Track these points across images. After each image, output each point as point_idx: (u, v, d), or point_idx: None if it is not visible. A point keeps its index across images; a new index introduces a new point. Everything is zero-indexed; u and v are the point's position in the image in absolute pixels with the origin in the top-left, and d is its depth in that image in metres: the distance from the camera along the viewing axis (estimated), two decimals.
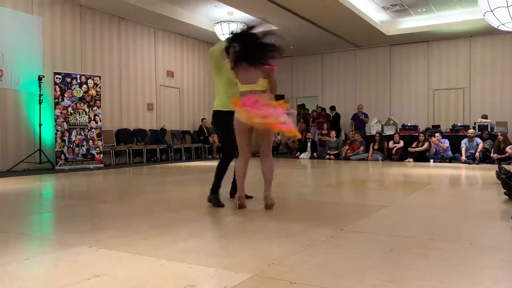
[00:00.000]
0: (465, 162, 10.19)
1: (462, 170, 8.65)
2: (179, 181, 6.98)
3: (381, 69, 14.53)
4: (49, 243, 2.96)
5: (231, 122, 3.98)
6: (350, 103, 14.70)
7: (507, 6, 7.97)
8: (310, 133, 13.21)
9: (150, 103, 12.01)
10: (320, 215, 3.91)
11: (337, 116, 14.01)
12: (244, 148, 4.00)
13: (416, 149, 11.06)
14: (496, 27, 8.77)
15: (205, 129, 13.07)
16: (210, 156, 13.00)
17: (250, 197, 4.55)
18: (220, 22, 11.68)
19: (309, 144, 12.82)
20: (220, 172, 4.26)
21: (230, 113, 4.01)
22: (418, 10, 11.80)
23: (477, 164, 9.99)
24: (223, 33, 11.73)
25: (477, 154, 10.20)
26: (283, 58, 15.73)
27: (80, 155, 9.38)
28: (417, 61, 14.01)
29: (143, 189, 5.84)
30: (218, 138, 4.35)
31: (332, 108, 14.19)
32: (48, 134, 9.19)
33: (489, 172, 7.80)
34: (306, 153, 12.66)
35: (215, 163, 10.10)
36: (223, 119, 4.20)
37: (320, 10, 10.50)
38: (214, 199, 4.21)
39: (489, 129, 11.08)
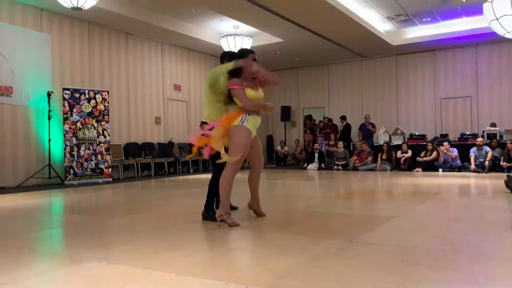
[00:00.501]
0: (474, 171, 10.11)
1: (471, 179, 8.58)
2: (187, 194, 6.99)
3: (387, 79, 14.52)
4: (60, 259, 2.98)
5: None
6: (357, 113, 14.68)
7: None
8: (317, 144, 13.20)
9: (157, 116, 12.09)
10: (329, 226, 3.90)
11: (348, 126, 13.88)
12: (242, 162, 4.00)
13: (425, 158, 11.00)
14: (502, 35, 8.75)
15: None
16: None
17: (235, 208, 4.54)
18: (226, 35, 11.79)
19: (316, 155, 12.80)
20: (214, 190, 4.15)
21: None
22: (423, 19, 11.82)
23: (486, 172, 9.91)
24: (229, 46, 11.85)
25: (486, 163, 10.12)
26: (288, 69, 15.84)
27: (89, 169, 9.44)
28: (423, 70, 13.99)
29: (152, 203, 5.86)
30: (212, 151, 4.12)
31: (343, 118, 14.03)
32: (57, 149, 9.27)
33: (499, 180, 7.72)
34: (314, 164, 12.64)
35: None
36: None
37: (325, 22, 10.56)
38: (213, 215, 4.13)
39: (498, 137, 11.00)
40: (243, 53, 4.09)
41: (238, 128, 3.84)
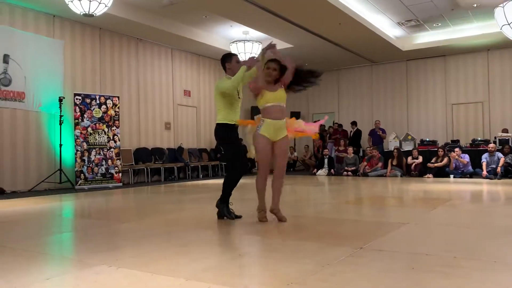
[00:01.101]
0: (486, 177, 9.99)
1: (483, 186, 8.48)
2: (196, 199, 7.00)
3: (398, 84, 14.45)
4: (69, 263, 3.00)
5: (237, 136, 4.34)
6: (367, 118, 14.62)
7: None
8: (327, 150, 13.15)
9: (167, 122, 12.15)
10: (338, 233, 3.87)
11: (358, 132, 13.79)
12: (266, 166, 4.24)
13: (436, 164, 10.89)
14: None
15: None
16: None
17: (239, 217, 4.52)
18: (236, 41, 11.84)
19: (326, 160, 12.75)
20: (232, 185, 4.39)
21: (235, 128, 4.38)
22: (434, 25, 11.76)
23: (498, 179, 9.79)
24: (239, 52, 11.89)
25: (498, 169, 9.99)
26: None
27: (99, 174, 9.51)
28: (434, 75, 13.90)
29: (161, 208, 5.88)
30: (229, 151, 4.42)
31: (353, 123, 13.96)
32: (68, 154, 9.35)
33: (511, 187, 7.62)
34: (323, 169, 12.59)
35: None
36: (235, 133, 4.39)
37: (335, 27, 10.56)
38: (225, 209, 4.38)
39: (510, 143, 10.86)
40: (226, 56, 4.54)
41: (254, 136, 4.22)
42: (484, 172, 10.13)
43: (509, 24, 8.25)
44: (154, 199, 7.34)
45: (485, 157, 10.38)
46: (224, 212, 4.44)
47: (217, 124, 4.42)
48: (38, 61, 9.05)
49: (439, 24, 11.68)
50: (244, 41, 11.76)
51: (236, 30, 11.53)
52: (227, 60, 4.49)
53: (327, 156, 12.81)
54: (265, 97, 4.12)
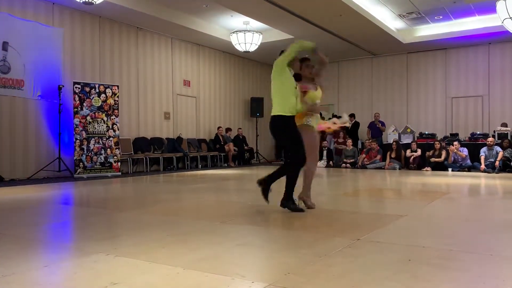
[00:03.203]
0: (484, 171, 10.02)
1: (481, 179, 8.50)
2: (195, 189, 7.01)
3: (398, 77, 14.42)
4: (67, 251, 3.01)
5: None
6: (367, 111, 14.61)
7: None
8: (326, 142, 13.14)
9: (167, 112, 12.13)
10: (336, 224, 3.88)
11: (356, 124, 13.81)
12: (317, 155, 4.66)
13: (435, 159, 10.89)
14: None
15: (221, 138, 13.12)
16: (226, 165, 13.03)
17: (300, 210, 4.43)
18: (236, 31, 11.78)
19: (325, 152, 12.75)
20: (295, 181, 4.33)
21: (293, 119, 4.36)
22: (435, 17, 11.70)
23: (497, 173, 9.81)
24: (239, 42, 11.83)
25: (496, 163, 10.01)
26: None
27: (98, 163, 9.50)
28: (434, 69, 13.87)
29: (160, 197, 5.89)
30: (289, 142, 4.38)
31: (352, 115, 13.96)
32: (67, 142, 9.35)
33: (509, 181, 7.64)
34: (322, 161, 12.60)
35: (230, 171, 10.11)
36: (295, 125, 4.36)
37: (336, 18, 10.50)
38: (293, 205, 4.33)
39: (509, 137, 10.87)
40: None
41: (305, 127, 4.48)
42: (483, 166, 10.16)
43: (511, 18, 8.21)
44: (153, 188, 7.35)
45: (483, 151, 10.40)
46: (293, 208, 4.32)
47: (275, 116, 4.34)
48: (37, 49, 8.99)
49: (441, 17, 11.62)
50: (245, 31, 11.70)
51: (237, 20, 11.46)
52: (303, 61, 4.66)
53: (326, 148, 12.81)
54: (310, 95, 4.49)
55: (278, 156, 14.65)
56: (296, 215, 4.21)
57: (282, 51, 4.48)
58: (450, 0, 10.27)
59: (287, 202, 4.34)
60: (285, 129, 4.32)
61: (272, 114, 4.35)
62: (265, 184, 4.40)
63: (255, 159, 14.61)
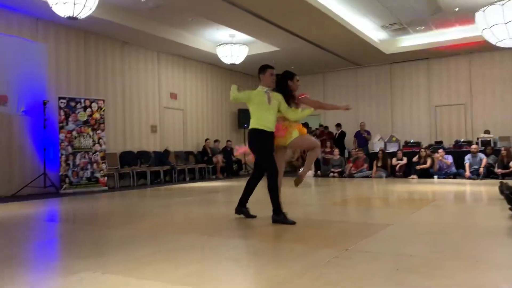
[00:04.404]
0: (469, 178, 10.15)
1: (466, 186, 8.62)
2: (183, 202, 6.98)
3: (382, 87, 14.61)
4: (53, 269, 2.97)
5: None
6: (352, 120, 14.74)
7: (505, 24, 8.07)
8: None
9: (153, 125, 12.09)
10: (325, 234, 3.90)
11: (343, 134, 13.98)
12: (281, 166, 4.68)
13: (421, 166, 11.02)
14: (494, 43, 8.85)
15: (208, 150, 13.10)
16: (214, 176, 13.00)
17: (254, 216, 4.59)
18: (222, 44, 11.85)
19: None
20: (277, 193, 4.41)
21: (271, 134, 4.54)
22: (417, 28, 11.92)
23: (481, 179, 9.95)
24: (225, 54, 11.90)
25: (481, 170, 10.16)
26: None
27: (84, 178, 9.41)
28: (418, 78, 14.09)
29: (147, 212, 5.85)
30: (262, 157, 4.53)
31: (338, 125, 14.13)
32: (52, 158, 9.24)
33: (493, 187, 7.72)
34: (310, 171, 12.64)
35: (219, 183, 10.05)
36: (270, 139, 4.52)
37: (320, 31, 10.64)
38: (284, 218, 4.35)
39: (492, 144, 11.06)
40: (261, 68, 4.68)
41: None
42: (467, 173, 10.29)
43: (489, 28, 8.41)
44: (140, 203, 7.30)
45: (468, 158, 10.55)
46: (285, 221, 4.33)
47: (251, 130, 4.56)
48: (21, 65, 8.93)
49: (422, 27, 11.85)
50: (231, 44, 11.78)
51: (223, 33, 11.54)
52: (261, 71, 4.66)
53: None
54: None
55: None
56: (284, 226, 4.22)
57: (261, 68, 4.70)
58: (431, 11, 10.48)
59: (278, 216, 4.35)
60: (263, 142, 4.49)
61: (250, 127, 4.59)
62: (240, 211, 4.67)
63: (244, 170, 14.60)
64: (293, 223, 4.31)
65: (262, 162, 4.54)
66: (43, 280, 2.68)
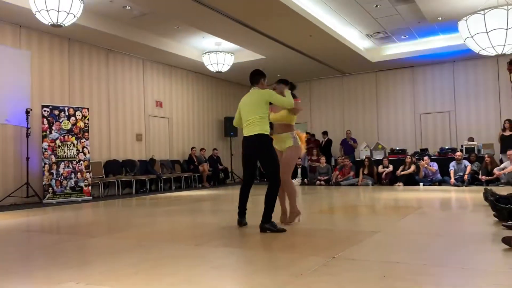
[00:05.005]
0: (454, 185, 10.26)
1: (451, 193, 8.70)
2: (169, 212, 6.90)
3: (368, 95, 14.75)
4: (36, 280, 2.89)
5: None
6: (339, 128, 14.84)
7: (487, 32, 8.21)
8: (300, 159, 13.23)
9: (139, 133, 11.99)
10: (312, 243, 3.88)
11: (329, 141, 14.06)
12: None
13: (404, 172, 11.12)
14: (477, 52, 9.00)
15: (194, 158, 13.04)
16: (200, 185, 12.92)
17: (282, 231, 4.40)
18: (208, 52, 11.85)
19: (299, 170, 12.82)
20: (275, 201, 4.36)
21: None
22: (401, 37, 12.09)
23: (466, 186, 10.06)
24: (211, 62, 11.90)
25: (465, 177, 10.28)
26: (271, 86, 15.96)
27: (68, 187, 9.27)
28: (403, 86, 14.26)
29: (133, 222, 5.77)
30: (269, 164, 4.43)
31: (324, 133, 14.23)
32: (35, 167, 9.09)
33: (478, 194, 7.81)
34: (297, 179, 12.65)
35: (205, 192, 9.98)
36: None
37: (306, 39, 10.71)
38: (275, 226, 4.31)
39: (476, 151, 11.22)
40: (263, 73, 4.77)
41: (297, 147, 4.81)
42: (452, 180, 10.41)
43: (472, 37, 8.55)
44: (125, 212, 7.20)
45: (452, 165, 10.67)
46: (273, 229, 4.28)
47: (258, 135, 4.42)
48: (3, 73, 8.79)
49: (407, 36, 12.02)
50: (217, 52, 11.78)
51: (209, 41, 11.54)
52: (262, 76, 4.71)
53: (300, 166, 12.89)
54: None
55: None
56: (271, 235, 4.19)
57: (262, 73, 4.75)
58: (415, 20, 10.64)
59: (269, 225, 4.30)
60: (270, 149, 4.47)
61: (253, 133, 4.43)
62: (241, 222, 4.62)
63: (230, 178, 14.54)
64: (283, 230, 4.30)
65: (273, 169, 4.43)
66: None
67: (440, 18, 10.24)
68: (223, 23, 9.49)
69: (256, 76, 4.71)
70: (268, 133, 4.48)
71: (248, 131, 4.48)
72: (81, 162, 9.52)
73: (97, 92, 10.85)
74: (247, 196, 4.66)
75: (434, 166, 10.93)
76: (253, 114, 4.47)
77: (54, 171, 9.10)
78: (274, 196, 4.36)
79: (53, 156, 9.13)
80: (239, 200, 4.67)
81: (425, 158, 11.00)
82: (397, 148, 12.59)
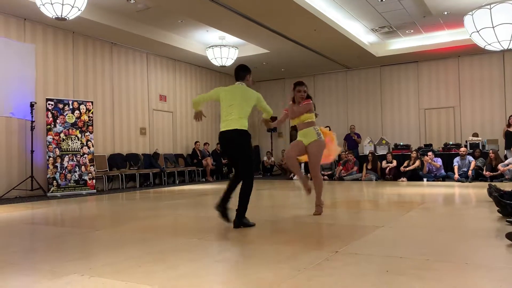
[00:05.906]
0: (458, 181, 10.23)
1: (455, 189, 8.67)
2: (172, 205, 6.92)
3: (372, 90, 14.69)
4: (40, 273, 2.90)
5: None
6: (342, 123, 14.80)
7: (493, 27, 8.15)
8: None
9: (143, 127, 12.01)
10: (315, 237, 3.89)
11: None
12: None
13: (408, 168, 11.09)
14: (483, 47, 8.94)
15: (198, 152, 13.05)
16: (204, 179, 12.94)
17: (253, 225, 4.38)
18: (212, 46, 11.82)
19: (302, 165, 12.80)
20: (249, 197, 4.32)
21: None
22: (406, 31, 12.01)
23: (470, 182, 10.03)
24: (215, 57, 11.87)
25: (469, 172, 10.24)
26: (275, 80, 15.95)
27: (72, 181, 9.31)
28: (407, 81, 14.19)
29: (136, 215, 5.79)
30: (246, 160, 4.45)
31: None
32: (40, 160, 9.13)
33: (482, 190, 7.81)
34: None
35: (208, 186, 10.01)
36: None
37: (310, 33, 10.66)
38: (248, 221, 4.31)
39: (480, 147, 11.17)
40: (248, 69, 4.73)
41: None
42: (456, 176, 10.37)
43: (478, 32, 8.49)
44: (129, 205, 7.23)
45: (456, 161, 10.64)
46: (247, 223, 4.29)
47: (243, 131, 4.40)
48: (8, 66, 8.82)
49: (412, 30, 11.94)
50: (221, 46, 11.75)
51: (212, 35, 11.51)
52: (249, 72, 4.69)
53: (304, 161, 12.85)
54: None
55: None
56: (275, 228, 4.20)
57: (248, 68, 4.71)
58: (420, 15, 10.57)
59: (244, 219, 4.27)
60: (249, 146, 4.48)
61: (235, 127, 4.38)
62: (222, 207, 4.42)
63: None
64: (253, 224, 4.30)
65: (249, 166, 4.43)
66: (30, 284, 2.62)
67: (445, 13, 10.17)
68: (227, 17, 9.45)
69: (242, 72, 4.64)
70: (247, 129, 4.45)
71: (230, 125, 4.39)
72: (85, 155, 9.56)
73: (101, 85, 10.87)
74: (234, 187, 4.54)
75: (438, 162, 10.90)
76: (243, 110, 4.43)
77: (58, 164, 9.14)
78: (248, 192, 4.32)
79: (57, 150, 9.17)
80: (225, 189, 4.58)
81: (429, 153, 10.96)
82: (401, 144, 12.55)
